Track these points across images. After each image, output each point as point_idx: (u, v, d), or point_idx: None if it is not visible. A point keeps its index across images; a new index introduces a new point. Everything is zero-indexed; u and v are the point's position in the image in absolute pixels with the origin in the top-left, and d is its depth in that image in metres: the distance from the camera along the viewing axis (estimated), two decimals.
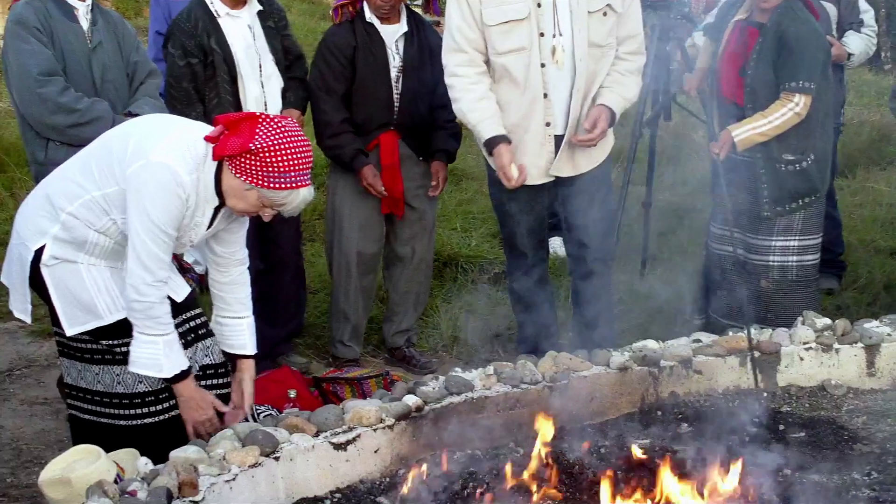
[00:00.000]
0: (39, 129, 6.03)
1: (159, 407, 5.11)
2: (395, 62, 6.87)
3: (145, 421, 5.11)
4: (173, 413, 5.11)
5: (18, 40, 6.05)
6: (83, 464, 4.48)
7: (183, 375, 4.91)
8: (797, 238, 6.69)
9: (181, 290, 5.22)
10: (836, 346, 5.94)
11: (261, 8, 6.69)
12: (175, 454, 4.41)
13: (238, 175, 4.74)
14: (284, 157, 4.69)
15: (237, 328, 5.33)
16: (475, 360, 7.08)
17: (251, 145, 4.65)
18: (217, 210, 4.97)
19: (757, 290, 6.75)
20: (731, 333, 5.98)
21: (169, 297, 4.99)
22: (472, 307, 7.96)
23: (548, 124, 6.18)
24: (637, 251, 8.18)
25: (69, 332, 4.97)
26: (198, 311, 5.31)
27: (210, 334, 5.35)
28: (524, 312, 6.72)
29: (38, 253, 4.91)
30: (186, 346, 5.12)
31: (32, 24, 6.02)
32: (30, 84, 5.97)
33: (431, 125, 7.06)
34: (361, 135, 6.89)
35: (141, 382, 5.05)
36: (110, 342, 5.00)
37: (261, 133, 4.68)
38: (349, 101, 6.89)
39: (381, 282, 7.59)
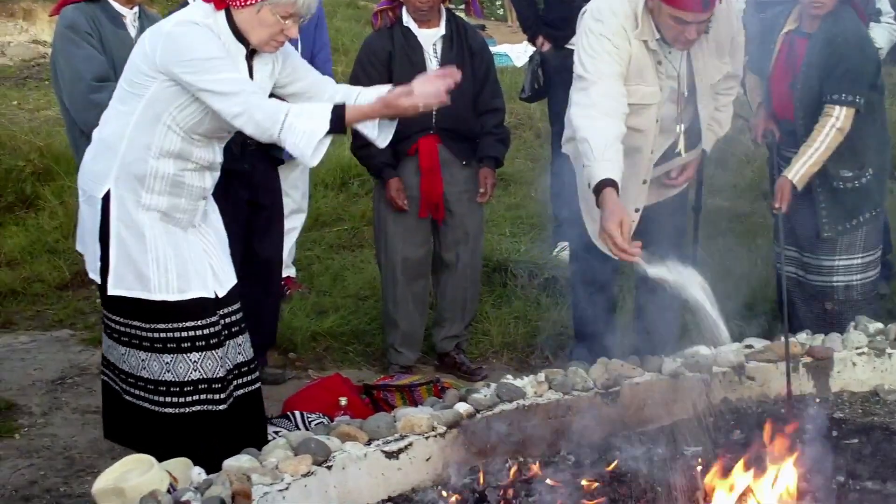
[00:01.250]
0: (90, 134, 6.05)
1: (181, 399, 5.14)
2: (432, 66, 6.85)
3: (167, 410, 5.15)
4: (195, 408, 5.15)
5: (71, 45, 6.09)
6: (136, 474, 4.49)
7: (340, 113, 4.84)
8: (860, 255, 6.60)
9: (227, 282, 5.30)
10: (888, 350, 5.88)
11: None
12: (228, 463, 4.43)
13: (242, 5, 4.82)
14: None
15: (367, 92, 5.27)
16: (526, 367, 7.08)
17: None
18: (249, 61, 5.00)
19: (821, 312, 6.67)
20: (782, 339, 5.94)
21: (214, 294, 5.12)
22: (522, 313, 7.94)
23: (637, 210, 6.13)
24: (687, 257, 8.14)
25: (112, 290, 5.03)
26: (236, 306, 5.36)
27: (243, 331, 5.41)
28: (585, 328, 6.65)
29: (105, 201, 4.97)
30: (219, 344, 5.16)
31: (84, 29, 6.07)
32: (83, 89, 6.01)
33: (478, 130, 7.07)
34: (401, 140, 6.89)
35: (168, 372, 5.10)
36: (141, 324, 5.06)
37: None
38: None
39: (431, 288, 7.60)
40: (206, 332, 5.13)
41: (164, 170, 4.95)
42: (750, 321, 6.79)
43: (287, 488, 4.36)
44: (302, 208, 8.44)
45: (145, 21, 6.26)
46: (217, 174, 5.24)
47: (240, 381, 5.37)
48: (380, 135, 5.22)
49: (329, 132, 4.79)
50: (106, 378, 5.38)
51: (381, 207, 7.14)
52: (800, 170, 6.27)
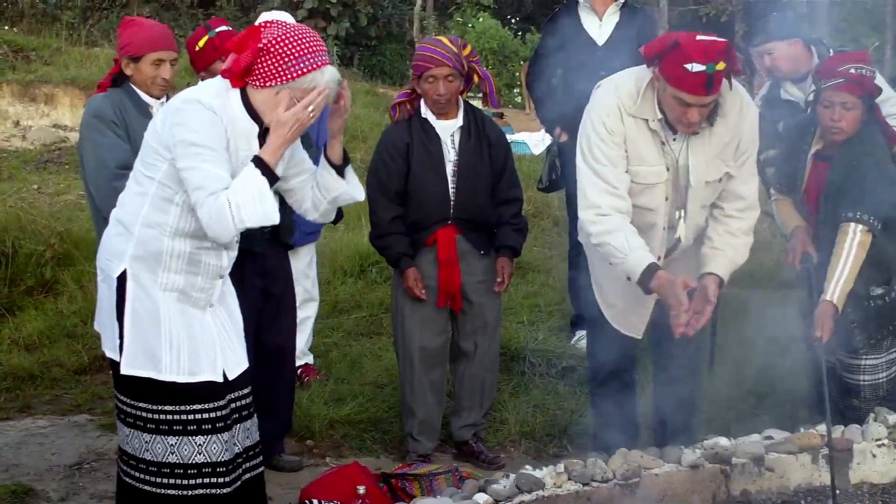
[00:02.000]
0: None
1: (185, 482, 5.12)
2: (450, 156, 6.94)
3: (170, 492, 5.12)
4: (198, 492, 5.12)
5: (97, 133, 6.16)
6: None
7: (258, 162, 4.86)
8: (885, 353, 6.53)
9: (238, 365, 5.30)
10: None
11: None
12: None
13: (261, 85, 4.87)
14: (295, 44, 4.81)
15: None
16: (544, 456, 7.07)
17: (260, 45, 4.79)
18: (262, 139, 5.00)
19: (849, 406, 6.59)
20: (802, 430, 5.94)
21: (224, 377, 5.14)
22: (540, 402, 7.94)
23: (659, 258, 6.12)
24: (704, 346, 8.14)
25: (124, 370, 5.02)
26: (246, 390, 5.36)
27: (252, 415, 5.41)
28: (603, 416, 6.66)
29: (122, 281, 4.98)
30: (226, 428, 5.15)
31: (110, 118, 6.13)
32: (107, 177, 6.05)
33: (496, 220, 7.11)
34: (419, 230, 6.94)
35: (172, 454, 5.08)
36: (149, 406, 5.05)
37: (266, 33, 4.83)
38: (407, 197, 6.97)
39: (449, 376, 7.59)
40: (213, 415, 5.13)
41: (179, 248, 4.99)
42: (770, 411, 6.81)
43: None
44: (314, 297, 8.48)
45: None
46: (234, 253, 5.26)
47: (247, 464, 5.38)
48: (349, 186, 5.32)
49: (269, 183, 4.85)
50: (124, 476, 5.37)
51: (398, 296, 7.16)
52: (835, 289, 6.12)
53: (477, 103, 7.55)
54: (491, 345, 7.31)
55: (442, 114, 6.93)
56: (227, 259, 5.22)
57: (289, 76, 4.81)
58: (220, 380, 5.15)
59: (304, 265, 8.13)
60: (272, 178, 4.85)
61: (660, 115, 5.88)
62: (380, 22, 28.74)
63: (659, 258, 6.07)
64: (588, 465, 5.42)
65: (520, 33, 32.21)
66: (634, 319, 6.33)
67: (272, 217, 4.84)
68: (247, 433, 5.35)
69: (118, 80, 6.29)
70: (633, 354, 6.64)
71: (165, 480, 5.12)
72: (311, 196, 5.32)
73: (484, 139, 7.02)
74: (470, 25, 31.32)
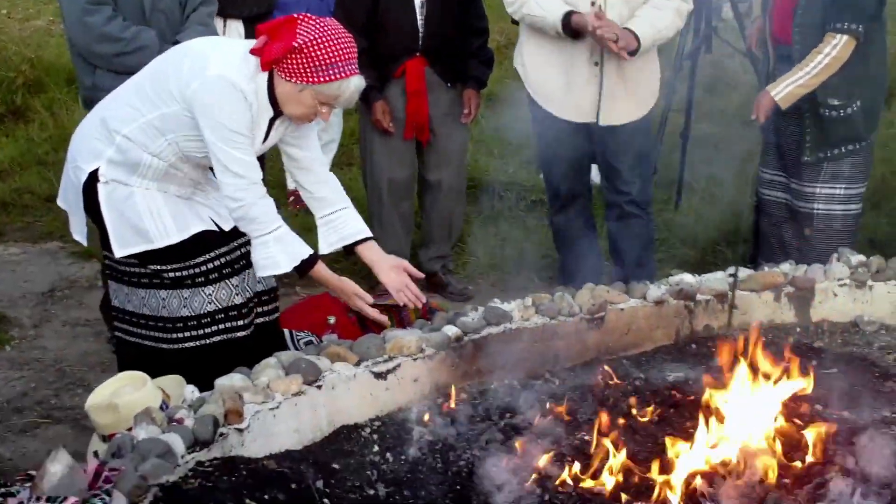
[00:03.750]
0: (86, 55, 6.05)
1: (201, 332, 5.20)
2: None
3: (187, 345, 5.20)
4: (216, 339, 5.22)
5: None
6: (130, 390, 4.57)
7: (308, 264, 5.09)
8: (843, 186, 6.60)
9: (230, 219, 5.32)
10: (869, 282, 5.96)
11: None
12: (220, 382, 4.49)
13: (289, 78, 4.83)
14: (329, 49, 4.76)
15: (344, 217, 5.44)
16: (512, 289, 7.15)
17: (294, 43, 4.74)
18: (271, 122, 5.05)
19: (802, 237, 6.72)
20: (765, 268, 6.02)
21: (218, 226, 5.15)
22: (508, 234, 8.00)
23: (595, 63, 6.26)
24: (673, 182, 8.21)
25: (118, 253, 5.06)
26: None
27: None
28: (566, 247, 6.78)
29: (92, 176, 5.00)
30: (236, 272, 5.23)
31: None
32: (77, 12, 5.98)
33: (462, 52, 7.09)
34: (388, 62, 6.93)
35: (185, 307, 5.15)
36: (157, 267, 5.08)
37: (302, 31, 4.77)
38: (374, 30, 6.92)
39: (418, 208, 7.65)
40: (217, 262, 5.20)
41: (157, 165, 5.00)
42: (735, 248, 6.88)
43: (278, 407, 4.44)
44: (334, 139, 8.87)
45: None
46: (209, 174, 5.29)
47: (260, 309, 5.46)
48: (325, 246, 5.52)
49: (288, 269, 5.06)
50: (120, 333, 5.39)
51: (366, 130, 7.20)
52: (785, 88, 6.30)
53: None
54: (457, 177, 7.39)
55: None
56: (203, 176, 5.27)
57: (316, 79, 4.78)
58: (213, 228, 5.19)
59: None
60: (297, 271, 5.13)
61: None
62: None
63: (597, 63, 6.34)
64: (555, 299, 5.48)
65: None
66: (583, 103, 6.44)
67: (256, 270, 5.09)
68: (256, 278, 5.40)
69: None
70: (587, 166, 6.84)
71: (181, 335, 5.21)
72: (302, 178, 5.42)
73: None
74: None
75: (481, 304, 5.55)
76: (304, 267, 5.08)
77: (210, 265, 5.16)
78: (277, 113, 5.02)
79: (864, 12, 6.26)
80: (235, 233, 5.22)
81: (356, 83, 4.88)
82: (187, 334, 5.20)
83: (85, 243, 5.31)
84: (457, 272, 7.52)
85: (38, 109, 10.10)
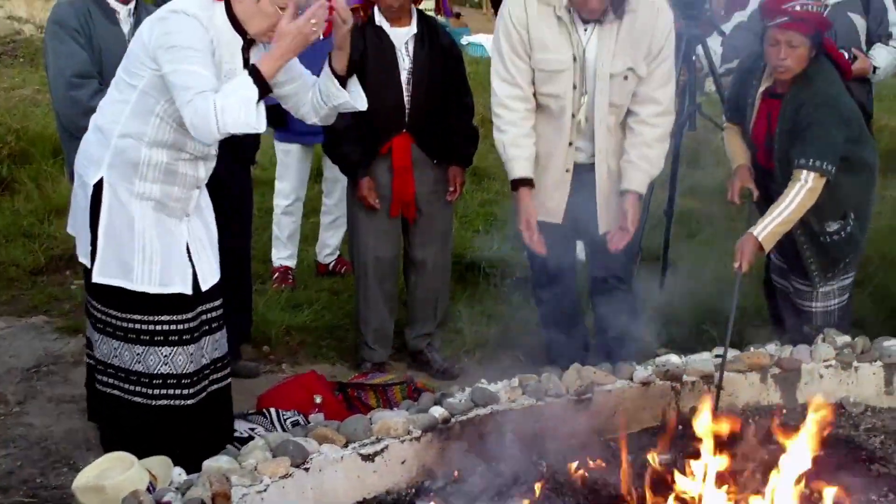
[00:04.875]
0: (72, 129, 6.07)
1: (149, 391, 5.21)
2: (405, 65, 6.92)
3: (135, 399, 5.21)
4: (161, 402, 5.21)
5: (56, 40, 6.12)
6: (117, 471, 4.55)
7: (258, 71, 4.84)
8: (838, 280, 6.59)
9: (210, 277, 5.36)
10: (855, 363, 6.00)
11: None
12: (208, 464, 4.50)
13: None
14: None
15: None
16: (498, 368, 7.15)
17: None
18: (246, 53, 5.07)
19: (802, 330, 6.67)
20: (751, 349, 6.04)
21: (195, 285, 5.20)
22: (494, 312, 8.02)
23: (567, 170, 6.35)
24: (658, 259, 8.23)
25: (96, 278, 5.09)
26: (217, 303, 5.43)
27: (222, 327, 5.48)
28: (551, 324, 6.80)
29: (98, 188, 5.03)
30: (192, 340, 5.23)
31: (71, 26, 6.07)
32: (62, 85, 6.04)
33: (447, 129, 7.13)
34: (374, 139, 6.96)
35: (138, 363, 5.16)
36: (118, 313, 5.12)
37: None
38: None
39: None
40: (180, 327, 5.19)
41: (157, 158, 5.00)
42: (721, 328, 6.89)
43: (265, 490, 4.45)
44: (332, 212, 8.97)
45: (143, 14, 6.21)
46: (212, 164, 5.29)
47: (214, 376, 5.45)
48: (351, 96, 5.37)
49: (259, 94, 4.81)
50: (89, 361, 5.43)
51: (353, 206, 7.20)
52: (767, 227, 6.10)
53: (430, 13, 7.52)
54: (443, 255, 7.39)
55: (396, 20, 6.91)
56: (205, 170, 5.25)
57: None
58: (191, 292, 5.20)
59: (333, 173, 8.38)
60: (264, 88, 4.83)
61: (566, 2, 5.99)
62: None
63: (570, 143, 6.30)
64: (542, 380, 5.50)
65: None
66: (550, 204, 6.45)
67: (255, 126, 4.80)
68: (215, 345, 5.42)
69: None
70: (571, 255, 6.86)
71: (132, 387, 5.21)
72: (310, 101, 5.34)
73: (437, 47, 7.02)
74: None
75: (467, 383, 5.56)
76: (256, 76, 4.80)
77: (173, 327, 5.16)
78: (247, 41, 5.04)
79: (832, 149, 6.13)
80: (204, 296, 5.27)
81: None
82: (138, 389, 5.21)
83: (90, 265, 5.22)
84: (442, 350, 7.52)
85: (24, 181, 10.10)
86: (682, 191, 8.71)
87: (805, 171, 6.05)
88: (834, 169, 6.07)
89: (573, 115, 6.22)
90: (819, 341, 6.11)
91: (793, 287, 6.73)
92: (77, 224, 5.27)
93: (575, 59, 6.11)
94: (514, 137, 6.23)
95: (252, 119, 4.77)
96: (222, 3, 4.94)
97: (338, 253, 9.01)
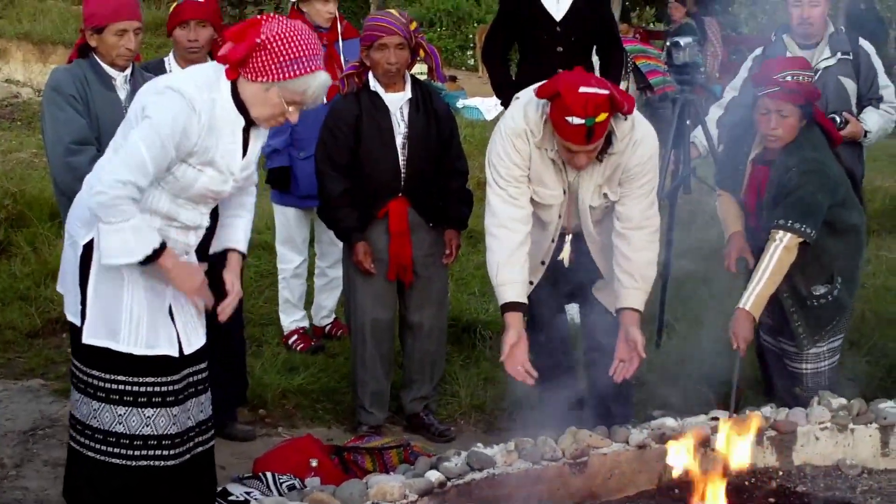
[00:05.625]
0: (69, 194, 6.05)
1: (129, 452, 5.19)
2: (400, 129, 6.99)
3: (113, 461, 5.19)
4: (141, 463, 5.19)
5: (54, 107, 6.14)
6: None
7: (158, 253, 4.91)
8: (827, 343, 6.62)
9: (196, 341, 5.35)
10: (851, 426, 6.01)
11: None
12: None
13: (253, 79, 4.88)
14: (293, 44, 4.82)
15: (233, 225, 5.44)
16: (494, 430, 7.15)
17: (258, 40, 4.80)
18: (247, 133, 5.08)
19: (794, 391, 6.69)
20: (748, 412, 6.05)
21: (179, 349, 5.20)
22: (490, 374, 8.01)
23: (543, 263, 6.51)
24: (653, 319, 8.23)
25: (86, 339, 5.10)
26: (202, 365, 5.43)
27: (207, 390, 5.48)
28: (546, 386, 6.79)
29: (87, 249, 5.04)
30: (176, 403, 5.23)
31: (69, 92, 6.10)
32: (61, 152, 6.04)
33: (442, 192, 7.18)
34: (370, 203, 7.00)
35: (119, 424, 5.15)
36: (102, 375, 5.13)
37: (265, 28, 4.84)
38: (357, 170, 7.01)
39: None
40: (165, 389, 5.19)
41: (148, 223, 5.00)
42: (718, 391, 6.90)
43: None
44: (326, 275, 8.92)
45: (139, 80, 6.22)
46: (202, 232, 5.29)
47: (199, 438, 5.45)
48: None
49: (142, 259, 4.88)
50: (72, 442, 5.42)
51: (349, 270, 7.22)
52: (752, 295, 6.15)
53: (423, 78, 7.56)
54: (439, 318, 7.41)
55: (391, 85, 6.97)
56: (195, 237, 5.26)
57: (282, 75, 4.83)
58: (177, 354, 5.20)
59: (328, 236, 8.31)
60: (148, 260, 4.88)
61: (556, 147, 6.04)
62: None
63: (543, 263, 6.46)
64: (538, 444, 5.51)
65: None
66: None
67: (103, 258, 4.91)
68: (200, 407, 5.41)
69: (84, 51, 6.27)
70: (563, 320, 6.93)
71: (111, 449, 5.18)
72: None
73: (431, 112, 7.08)
74: None
75: (464, 445, 5.58)
76: (154, 256, 4.89)
77: (158, 388, 5.17)
78: (249, 122, 5.05)
79: (811, 213, 6.17)
80: (191, 359, 5.27)
81: (322, 78, 4.93)
82: (116, 451, 5.19)
83: (78, 323, 5.22)
84: (439, 413, 7.52)
85: (21, 244, 10.10)
86: (677, 252, 8.74)
87: (781, 231, 6.11)
88: (814, 232, 6.12)
89: (552, 241, 6.43)
90: (814, 403, 6.13)
91: (782, 349, 6.75)
92: (66, 283, 5.27)
93: (565, 192, 6.21)
94: (509, 261, 6.16)
95: (113, 261, 4.89)
96: (228, 83, 4.96)
97: (333, 316, 9.00)
